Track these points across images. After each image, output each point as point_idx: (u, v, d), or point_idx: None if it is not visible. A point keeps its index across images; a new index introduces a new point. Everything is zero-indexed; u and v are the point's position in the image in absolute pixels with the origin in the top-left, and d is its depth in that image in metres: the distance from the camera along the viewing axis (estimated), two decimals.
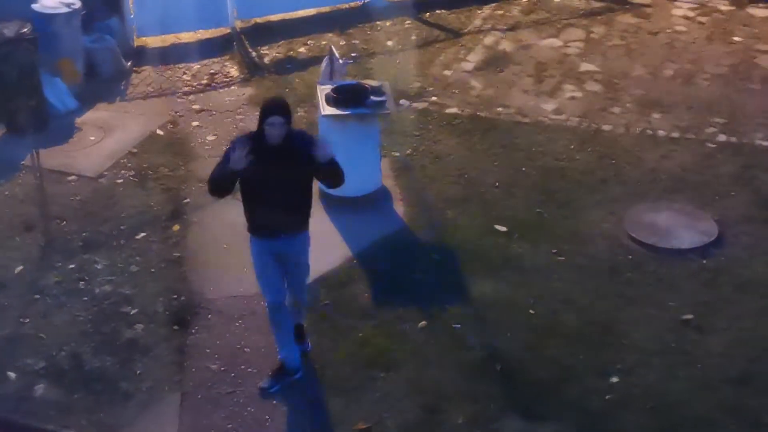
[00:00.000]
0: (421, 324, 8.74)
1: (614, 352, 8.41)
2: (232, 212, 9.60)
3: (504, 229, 9.87)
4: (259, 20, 13.99)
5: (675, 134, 11.38)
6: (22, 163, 10.80)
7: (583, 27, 13.75)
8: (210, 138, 11.39)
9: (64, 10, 12.11)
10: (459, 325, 8.72)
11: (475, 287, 9.14)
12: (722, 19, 13.89)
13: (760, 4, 14.14)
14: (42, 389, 8.16)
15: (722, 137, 11.32)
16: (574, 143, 11.21)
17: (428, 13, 14.15)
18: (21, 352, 8.49)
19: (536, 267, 9.39)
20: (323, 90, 10.11)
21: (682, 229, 9.84)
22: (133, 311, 8.95)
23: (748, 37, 13.40)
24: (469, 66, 12.87)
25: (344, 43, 13.37)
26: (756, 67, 12.72)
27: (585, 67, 12.78)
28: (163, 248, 9.70)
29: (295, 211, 7.82)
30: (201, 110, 12.01)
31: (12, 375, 8.28)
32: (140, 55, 13.20)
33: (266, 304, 8.07)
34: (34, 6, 12.08)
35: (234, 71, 12.89)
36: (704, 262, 9.43)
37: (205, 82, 12.64)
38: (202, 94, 12.37)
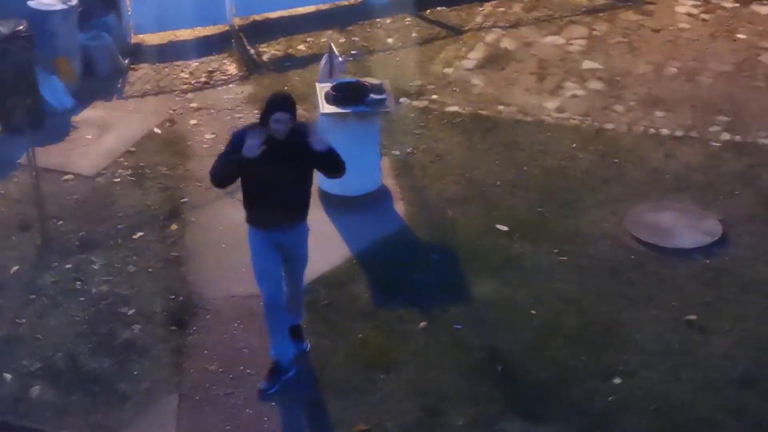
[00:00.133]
0: (421, 324, 8.75)
1: (616, 353, 8.42)
2: (230, 212, 9.64)
3: (505, 228, 9.88)
4: (257, 17, 13.99)
5: (678, 133, 11.39)
6: (19, 161, 10.81)
7: (585, 24, 13.75)
8: (208, 136, 11.39)
9: (61, 7, 12.11)
10: (460, 326, 8.73)
11: (476, 287, 9.15)
12: (726, 16, 13.88)
13: (765, 1, 14.14)
14: (38, 391, 8.17)
15: (726, 136, 11.32)
16: (576, 142, 11.22)
17: (429, 10, 14.15)
18: (17, 353, 8.50)
19: (537, 267, 9.39)
20: (322, 88, 10.12)
21: (685, 228, 9.85)
22: (130, 312, 8.95)
23: (752, 35, 13.40)
24: (470, 64, 12.87)
25: (344, 40, 13.37)
26: (760, 64, 12.72)
27: (587, 65, 12.79)
28: (160, 248, 9.70)
29: (297, 203, 7.93)
30: (199, 108, 12.02)
31: (8, 376, 8.28)
32: (138, 53, 13.21)
33: (262, 297, 8.10)
34: (30, 3, 12.07)
35: (232, 69, 12.90)
36: (707, 262, 9.44)
37: (203, 80, 12.65)
38: (200, 92, 12.37)
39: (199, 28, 13.71)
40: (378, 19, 13.95)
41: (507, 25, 13.77)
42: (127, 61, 12.93)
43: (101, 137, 11.43)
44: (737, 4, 14.15)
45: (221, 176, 7.83)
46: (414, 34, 13.60)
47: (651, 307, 8.92)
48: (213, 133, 11.43)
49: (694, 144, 11.19)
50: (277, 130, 7.58)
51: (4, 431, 7.90)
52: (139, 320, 8.85)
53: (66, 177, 10.74)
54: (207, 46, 13.38)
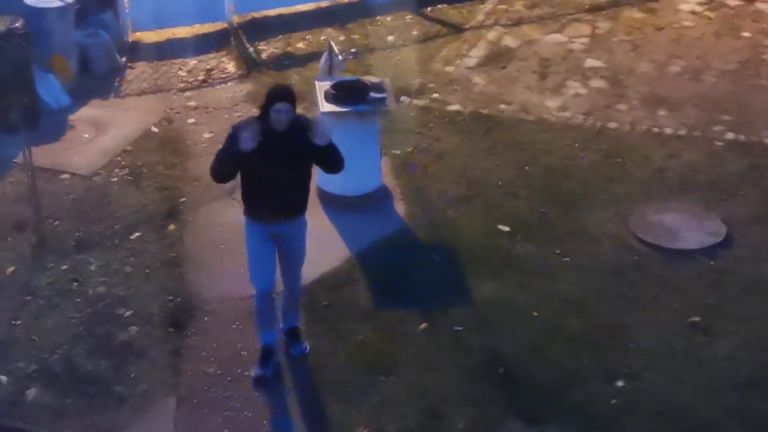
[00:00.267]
0: (421, 326, 8.75)
1: (619, 356, 8.42)
2: (229, 212, 9.64)
3: (507, 229, 9.88)
4: (256, 15, 13.99)
5: (682, 132, 11.39)
6: (14, 161, 10.80)
7: (588, 22, 13.75)
8: (206, 135, 11.39)
9: (57, 4, 12.12)
10: (460, 328, 8.73)
11: (477, 289, 9.15)
12: (731, 14, 13.88)
13: None
14: (34, 393, 8.17)
15: (730, 135, 11.32)
16: (579, 141, 11.22)
17: (429, 8, 14.15)
18: (12, 355, 8.49)
19: (540, 268, 9.39)
20: (322, 86, 10.12)
21: (688, 229, 9.85)
22: (127, 313, 8.95)
23: (757, 33, 13.40)
24: (471, 62, 12.87)
25: (344, 38, 13.38)
26: (765, 63, 12.72)
27: (590, 63, 12.79)
28: (158, 248, 9.70)
29: (296, 195, 8.00)
30: (197, 107, 12.02)
31: (3, 378, 8.28)
32: (135, 51, 13.21)
33: (255, 289, 8.18)
34: (27, 0, 12.07)
35: (231, 67, 12.90)
36: (711, 263, 9.44)
37: (201, 78, 12.65)
38: (198, 91, 12.38)
39: (197, 25, 13.72)
40: (378, 17, 13.95)
41: (509, 22, 13.77)
42: (124, 59, 12.94)
43: (98, 136, 11.43)
44: (742, 2, 14.15)
45: (221, 171, 7.89)
46: (415, 32, 13.61)
47: (654, 308, 8.92)
48: (211, 132, 11.43)
49: (698, 143, 11.19)
50: (278, 120, 7.64)
51: None
52: (137, 322, 8.85)
53: (62, 176, 10.74)
54: (205, 44, 13.39)
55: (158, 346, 8.60)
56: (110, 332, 8.74)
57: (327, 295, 9.05)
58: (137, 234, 9.88)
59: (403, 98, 11.90)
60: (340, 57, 10.87)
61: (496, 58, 12.91)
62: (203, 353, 8.53)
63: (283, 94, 7.71)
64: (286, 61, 12.98)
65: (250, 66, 12.90)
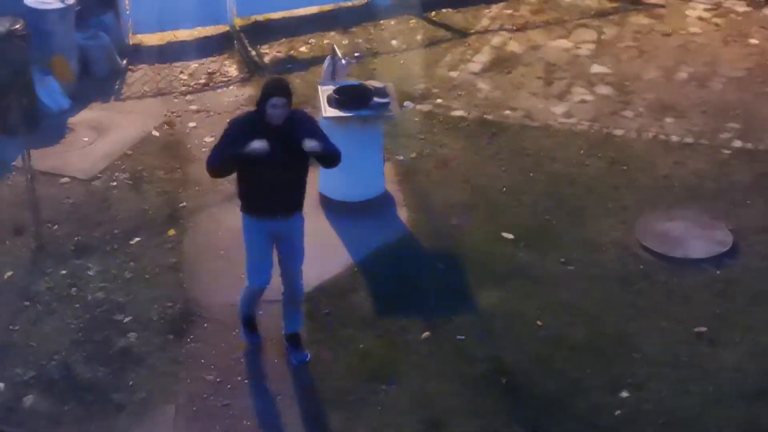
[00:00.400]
0: (424, 335, 8.74)
1: (624, 366, 8.41)
2: (229, 217, 9.63)
3: (511, 236, 9.88)
4: (259, 18, 14.00)
5: (689, 140, 11.38)
6: (13, 164, 10.81)
7: (594, 27, 13.75)
8: (207, 140, 11.38)
9: (58, 5, 12.12)
10: (463, 337, 8.72)
11: (481, 297, 9.14)
12: (738, 21, 13.89)
13: None
14: (31, 400, 8.16)
15: (738, 143, 11.32)
16: (584, 148, 11.21)
17: (434, 12, 14.16)
18: (10, 361, 8.49)
19: (544, 276, 9.39)
20: (325, 91, 10.12)
21: (695, 238, 9.84)
22: (126, 319, 8.95)
23: (765, 40, 13.40)
24: (476, 67, 12.88)
25: (347, 42, 13.38)
26: None
27: (596, 69, 12.79)
28: (158, 254, 9.70)
29: (294, 191, 8.09)
30: (198, 111, 12.02)
31: (0, 385, 8.27)
32: (136, 53, 13.21)
33: (247, 284, 8.29)
34: (27, 1, 12.08)
35: (233, 71, 12.90)
36: (718, 272, 9.43)
37: (202, 81, 12.66)
38: (199, 94, 12.38)
39: (199, 28, 13.73)
40: (382, 21, 13.96)
41: (514, 27, 13.78)
42: (125, 61, 12.94)
43: (98, 139, 11.43)
44: (750, 9, 14.16)
45: (221, 169, 8.00)
46: (419, 37, 13.61)
47: (660, 318, 8.91)
48: (212, 136, 11.39)
49: (705, 151, 11.19)
50: (273, 114, 7.72)
51: None
52: (136, 328, 8.85)
53: (61, 180, 10.74)
54: (207, 47, 13.39)
55: (157, 353, 8.60)
56: (109, 338, 8.73)
57: (328, 303, 9.04)
58: (137, 239, 9.88)
59: (406, 103, 11.90)
60: (343, 61, 10.88)
61: (501, 63, 12.91)
62: (203, 360, 8.52)
63: (278, 89, 7.80)
64: (288, 64, 12.98)
65: (252, 70, 12.91)
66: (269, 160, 7.69)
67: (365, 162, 10.04)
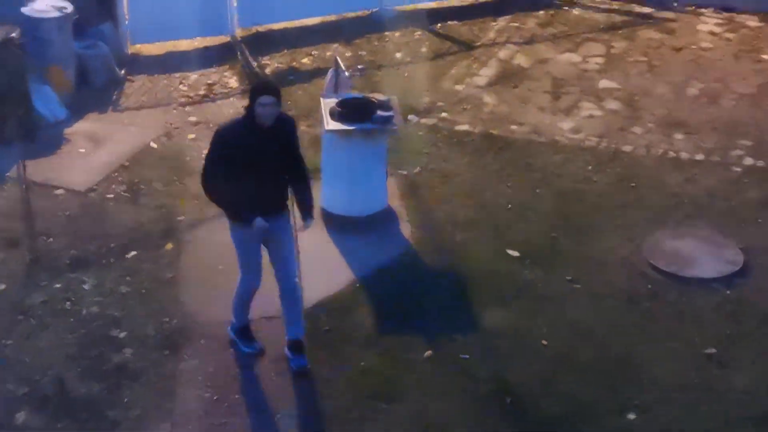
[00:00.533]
0: (426, 353, 8.72)
1: (632, 388, 8.39)
2: (228, 231, 9.60)
3: (516, 254, 9.87)
4: (261, 28, 14.03)
5: (699, 157, 11.39)
6: (8, 175, 10.82)
7: (603, 42, 13.77)
8: (207, 152, 11.36)
9: (55, 14, 12.15)
10: (467, 356, 8.70)
11: (485, 315, 9.13)
12: (750, 36, 13.91)
13: None
14: (24, 416, 8.13)
15: (749, 161, 11.32)
16: (592, 164, 11.21)
17: (439, 24, 14.19)
18: (2, 376, 8.46)
19: (550, 295, 9.37)
20: (327, 103, 10.13)
21: (705, 257, 9.83)
22: (121, 334, 8.93)
23: None
24: (481, 81, 12.89)
25: (350, 54, 13.40)
26: None
27: (604, 84, 12.80)
28: (154, 268, 9.69)
29: (283, 189, 8.29)
30: (198, 122, 12.03)
31: None
32: (134, 63, 13.25)
33: (243, 285, 8.42)
34: (24, 10, 12.12)
35: (233, 82, 12.92)
36: (728, 292, 9.42)
37: (202, 92, 12.67)
38: (199, 106, 12.40)
39: (199, 38, 13.76)
40: (387, 33, 14.00)
41: (521, 41, 13.80)
42: (123, 71, 12.96)
43: (95, 151, 11.44)
44: (762, 24, 14.17)
45: (218, 199, 8.26)
46: (424, 49, 13.63)
47: (669, 339, 8.89)
48: None
49: (716, 169, 11.19)
50: (263, 114, 7.88)
51: None
52: (131, 344, 8.83)
53: (57, 192, 10.74)
54: (207, 58, 13.41)
55: (153, 370, 8.57)
56: (104, 354, 8.72)
57: (329, 320, 9.03)
58: (133, 253, 9.87)
59: (410, 117, 11.91)
60: (346, 73, 10.89)
61: (508, 77, 12.93)
62: (199, 377, 8.50)
63: (266, 88, 8.02)
64: (290, 76, 13.00)
65: (253, 81, 12.90)
66: (262, 162, 7.89)
67: (368, 176, 10.04)
